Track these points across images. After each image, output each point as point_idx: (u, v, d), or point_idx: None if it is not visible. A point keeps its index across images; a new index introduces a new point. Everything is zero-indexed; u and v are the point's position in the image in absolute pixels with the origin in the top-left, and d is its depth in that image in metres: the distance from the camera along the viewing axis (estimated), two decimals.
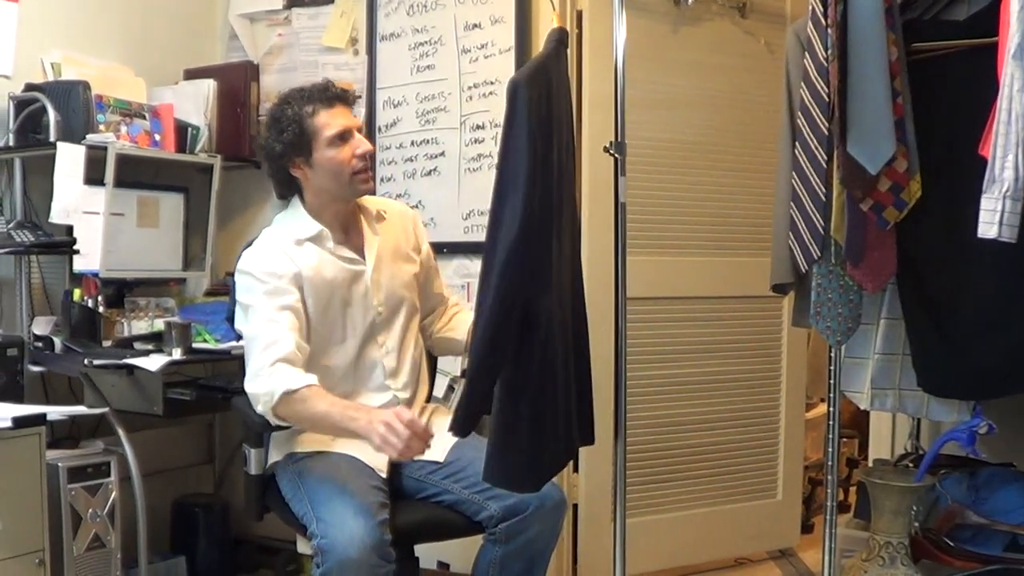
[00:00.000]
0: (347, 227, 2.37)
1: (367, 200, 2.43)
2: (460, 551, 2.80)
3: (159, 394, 2.65)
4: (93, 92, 2.90)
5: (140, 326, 3.03)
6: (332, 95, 2.31)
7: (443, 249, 2.61)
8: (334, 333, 2.32)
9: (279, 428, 2.30)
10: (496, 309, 1.84)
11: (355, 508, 2.08)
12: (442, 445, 2.35)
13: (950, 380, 2.29)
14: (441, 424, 2.43)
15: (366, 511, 2.07)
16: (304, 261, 2.27)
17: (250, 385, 2.17)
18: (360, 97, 3.32)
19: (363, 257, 2.36)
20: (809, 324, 2.30)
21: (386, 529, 2.08)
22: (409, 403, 2.38)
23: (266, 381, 2.13)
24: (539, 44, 2.99)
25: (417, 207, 3.23)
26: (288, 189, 2.38)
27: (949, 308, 2.25)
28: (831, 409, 2.32)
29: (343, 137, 2.28)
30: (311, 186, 2.33)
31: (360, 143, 2.30)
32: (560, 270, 2.02)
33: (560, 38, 2.07)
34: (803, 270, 2.24)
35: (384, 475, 2.28)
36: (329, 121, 2.27)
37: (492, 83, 3.09)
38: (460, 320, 2.54)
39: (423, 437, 2.03)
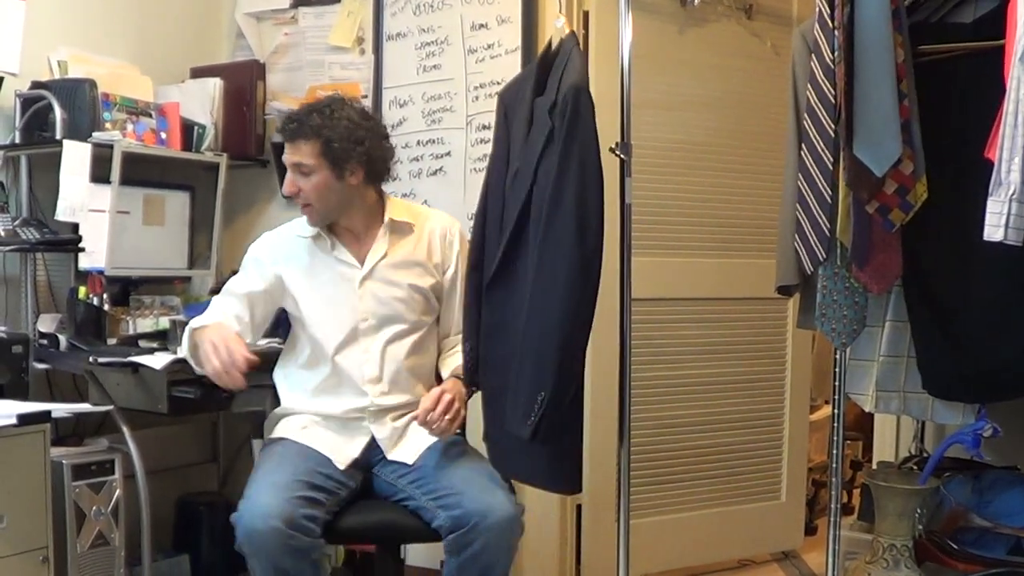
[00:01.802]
0: (358, 234, 2.44)
1: (402, 208, 2.52)
2: None
3: (164, 392, 2.65)
4: (99, 90, 2.90)
5: (145, 324, 3.03)
6: (281, 129, 2.41)
7: None
8: (321, 328, 2.40)
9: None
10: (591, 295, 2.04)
11: (272, 484, 2.15)
12: (415, 448, 2.38)
13: (955, 383, 2.28)
14: (418, 429, 2.43)
15: (282, 487, 2.14)
16: (297, 255, 2.41)
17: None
18: (365, 96, 3.32)
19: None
20: (814, 326, 2.30)
21: (303, 503, 2.12)
22: (398, 412, 2.41)
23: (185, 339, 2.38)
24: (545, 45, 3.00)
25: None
26: None
27: (954, 311, 2.25)
28: (835, 411, 2.31)
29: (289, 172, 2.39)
30: None
31: (286, 184, 2.39)
32: None
33: (577, 43, 2.11)
34: (808, 272, 2.23)
35: (342, 467, 2.32)
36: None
37: (498, 83, 3.08)
38: (446, 363, 2.51)
39: (234, 366, 2.15)
